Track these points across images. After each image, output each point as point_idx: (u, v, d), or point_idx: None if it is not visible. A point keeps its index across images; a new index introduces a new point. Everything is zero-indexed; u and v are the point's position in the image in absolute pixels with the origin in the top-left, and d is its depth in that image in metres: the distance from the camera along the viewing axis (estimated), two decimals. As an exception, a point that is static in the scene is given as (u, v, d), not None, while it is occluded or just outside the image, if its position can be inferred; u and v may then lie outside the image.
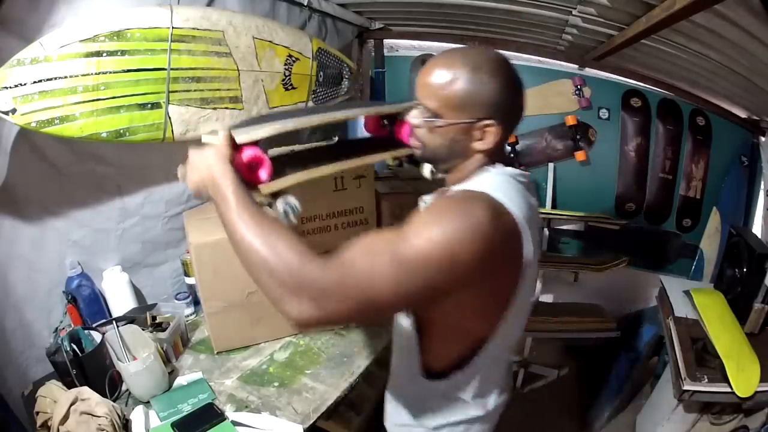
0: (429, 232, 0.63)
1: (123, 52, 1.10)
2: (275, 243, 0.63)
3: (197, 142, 0.78)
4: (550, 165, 2.33)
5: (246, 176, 0.75)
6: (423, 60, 2.39)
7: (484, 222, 0.65)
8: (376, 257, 0.63)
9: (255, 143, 0.78)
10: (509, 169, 0.81)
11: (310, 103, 1.76)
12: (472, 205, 0.67)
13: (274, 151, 0.84)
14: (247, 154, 0.76)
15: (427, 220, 0.66)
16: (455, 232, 0.63)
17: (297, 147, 0.95)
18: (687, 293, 1.71)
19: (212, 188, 0.71)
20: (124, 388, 1.16)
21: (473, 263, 0.64)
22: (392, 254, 0.62)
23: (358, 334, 1.43)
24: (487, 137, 0.76)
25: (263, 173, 0.78)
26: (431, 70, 0.77)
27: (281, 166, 0.81)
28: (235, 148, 0.75)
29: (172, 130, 1.27)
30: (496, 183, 0.76)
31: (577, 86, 2.21)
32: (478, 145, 0.78)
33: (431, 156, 0.84)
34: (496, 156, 0.81)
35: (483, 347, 0.80)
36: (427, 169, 1.05)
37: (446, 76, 0.75)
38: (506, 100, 0.75)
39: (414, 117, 0.81)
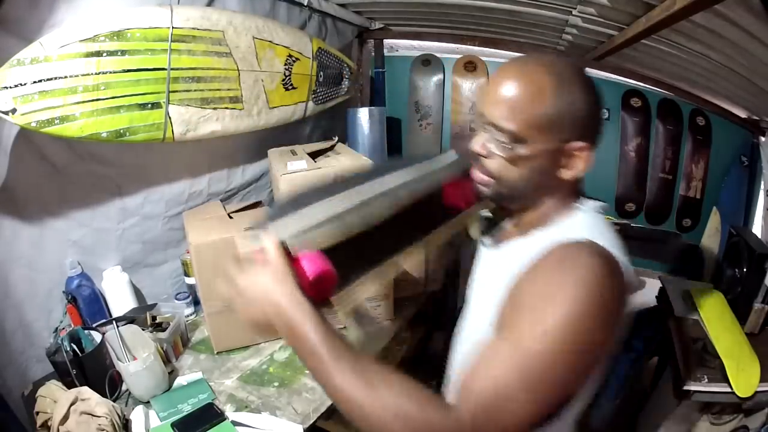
0: (551, 330, 0.52)
1: (123, 52, 1.10)
2: (393, 402, 0.52)
3: (225, 241, 0.64)
4: (550, 165, 2.33)
5: (309, 292, 0.57)
6: (423, 60, 2.39)
7: (605, 287, 0.54)
8: (505, 386, 0.52)
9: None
10: (594, 202, 0.68)
11: (311, 103, 1.76)
12: (587, 269, 0.54)
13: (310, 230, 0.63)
14: (310, 267, 0.58)
15: (540, 310, 0.54)
16: (581, 316, 0.52)
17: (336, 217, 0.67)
18: (687, 293, 1.70)
19: (284, 328, 0.56)
20: (124, 388, 1.16)
21: (602, 338, 0.55)
22: (520, 375, 0.52)
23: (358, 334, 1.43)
24: (577, 164, 0.64)
25: (329, 286, 0.61)
26: (507, 82, 0.63)
27: (341, 266, 0.62)
28: (288, 253, 0.58)
29: (172, 130, 1.27)
30: (592, 224, 0.64)
31: (577, 86, 2.21)
32: (565, 174, 0.65)
33: (506, 193, 0.68)
34: (578, 186, 0.68)
35: (576, 398, 0.65)
36: (476, 229, 0.90)
37: (530, 90, 0.61)
38: (595, 118, 0.64)
39: (485, 143, 0.66)
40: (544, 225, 0.67)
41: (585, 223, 0.64)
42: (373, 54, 2.41)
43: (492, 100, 0.64)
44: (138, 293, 1.43)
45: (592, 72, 2.20)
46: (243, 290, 0.58)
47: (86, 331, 1.17)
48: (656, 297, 1.89)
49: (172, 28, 1.19)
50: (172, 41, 1.20)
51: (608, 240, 0.61)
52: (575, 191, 0.69)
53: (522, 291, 0.58)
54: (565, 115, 0.61)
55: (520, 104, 0.62)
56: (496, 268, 0.70)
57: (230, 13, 1.37)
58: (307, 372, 1.24)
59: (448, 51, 2.36)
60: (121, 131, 1.15)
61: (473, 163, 0.71)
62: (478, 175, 0.70)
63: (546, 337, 0.52)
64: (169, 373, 1.19)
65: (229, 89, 1.40)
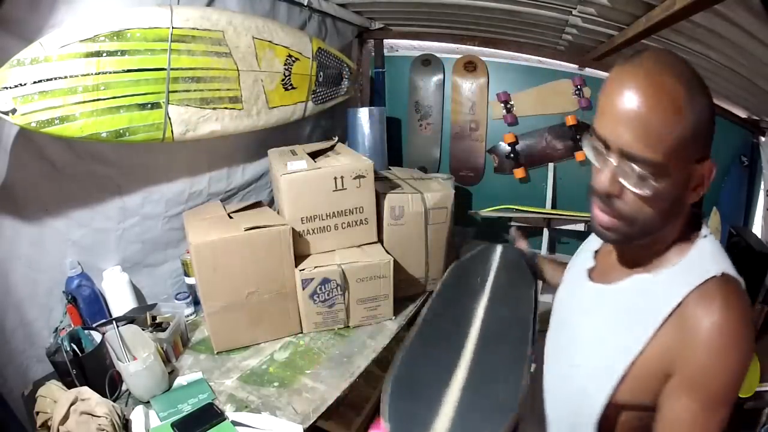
0: (723, 392, 0.57)
1: (123, 52, 1.10)
2: None
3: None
4: (550, 165, 2.33)
5: None
6: (423, 60, 2.39)
7: (748, 326, 0.57)
8: None
9: None
10: (704, 221, 0.64)
11: (310, 103, 1.75)
12: (733, 319, 0.56)
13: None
14: None
15: (708, 374, 0.56)
16: (739, 366, 0.56)
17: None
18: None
19: None
20: (124, 388, 1.16)
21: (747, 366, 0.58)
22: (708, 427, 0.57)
23: (358, 334, 1.43)
24: (705, 183, 0.55)
25: None
26: (639, 95, 0.51)
27: None
28: None
29: (172, 130, 1.27)
30: (716, 251, 0.60)
31: (577, 86, 2.21)
32: (692, 198, 0.57)
33: (637, 234, 0.60)
34: (697, 205, 0.61)
35: None
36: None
37: (668, 105, 0.50)
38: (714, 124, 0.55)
39: (618, 179, 0.55)
40: (672, 260, 0.61)
41: (711, 252, 0.60)
42: (373, 54, 2.42)
43: (621, 119, 0.52)
44: (138, 293, 1.43)
45: (592, 72, 2.20)
46: None
47: (86, 331, 1.17)
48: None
49: (172, 28, 1.19)
50: (172, 41, 1.20)
51: (729, 263, 0.59)
52: (694, 212, 0.62)
53: (679, 352, 0.57)
54: (699, 131, 0.52)
55: (660, 125, 0.51)
56: (617, 306, 0.66)
57: (230, 13, 1.37)
58: (308, 372, 1.25)
59: (448, 51, 2.37)
60: (121, 131, 1.15)
61: (594, 202, 0.60)
62: (603, 218, 0.60)
63: (718, 400, 0.57)
64: (169, 373, 1.19)
65: (228, 89, 1.40)
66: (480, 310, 0.69)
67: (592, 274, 0.74)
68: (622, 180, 0.55)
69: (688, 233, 0.62)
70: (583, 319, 0.72)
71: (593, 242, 0.81)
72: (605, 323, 0.67)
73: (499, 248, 0.83)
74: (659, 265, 0.62)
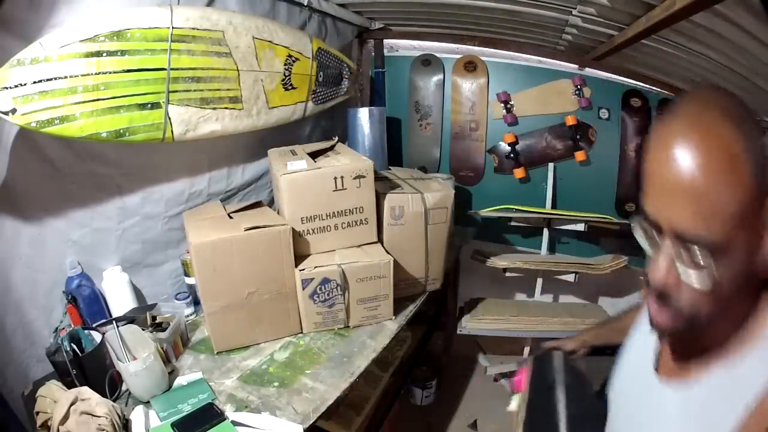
0: None
1: (123, 52, 1.11)
2: None
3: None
4: (550, 165, 2.34)
5: None
6: (423, 60, 2.39)
7: None
8: None
9: None
10: None
11: (310, 103, 1.76)
12: None
13: None
14: None
15: None
16: None
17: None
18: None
19: None
20: (124, 388, 1.16)
21: None
22: None
23: (358, 334, 1.43)
24: None
25: None
26: (686, 156, 0.41)
27: None
28: None
29: (172, 130, 1.27)
30: None
31: (577, 86, 2.21)
32: (764, 262, 0.44)
33: (698, 328, 0.50)
34: None
35: None
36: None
37: (723, 162, 0.40)
38: None
39: (672, 267, 0.45)
40: (754, 334, 0.48)
41: None
42: (373, 54, 2.42)
43: (670, 192, 0.42)
44: (138, 293, 1.43)
45: (592, 72, 2.21)
46: None
47: (86, 331, 1.17)
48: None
49: (172, 28, 1.19)
50: (172, 41, 1.20)
51: None
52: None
53: None
54: (761, 172, 0.40)
55: (715, 191, 0.40)
56: (700, 407, 0.53)
57: (230, 13, 1.37)
58: (308, 372, 1.25)
59: (448, 51, 2.37)
60: (121, 131, 1.15)
61: (650, 295, 0.51)
62: (658, 317, 0.50)
63: None
64: (169, 373, 1.19)
65: (228, 89, 1.40)
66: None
67: (661, 371, 0.62)
68: (677, 267, 0.45)
69: (763, 292, 0.48)
70: (663, 426, 0.60)
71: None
72: (693, 425, 0.55)
73: (557, 358, 0.95)
74: (739, 344, 0.50)
